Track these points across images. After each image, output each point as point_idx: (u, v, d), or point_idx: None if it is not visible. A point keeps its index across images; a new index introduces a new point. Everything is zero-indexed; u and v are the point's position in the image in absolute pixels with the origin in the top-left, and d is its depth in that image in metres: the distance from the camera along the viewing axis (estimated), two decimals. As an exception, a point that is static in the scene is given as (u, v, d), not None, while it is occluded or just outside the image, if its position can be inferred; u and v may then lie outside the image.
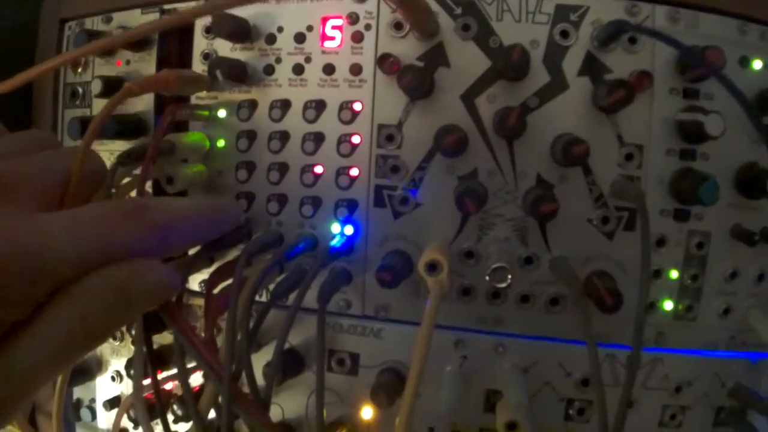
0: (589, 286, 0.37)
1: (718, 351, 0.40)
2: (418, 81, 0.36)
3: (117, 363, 0.49)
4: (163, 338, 0.45)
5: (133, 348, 0.46)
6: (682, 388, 0.40)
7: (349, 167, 0.41)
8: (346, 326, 0.42)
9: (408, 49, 0.39)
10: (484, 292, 0.40)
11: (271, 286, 0.38)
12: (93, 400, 0.50)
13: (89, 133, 0.31)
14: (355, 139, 0.40)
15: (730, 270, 0.40)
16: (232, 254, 0.42)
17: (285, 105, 0.42)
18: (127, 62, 0.46)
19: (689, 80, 0.38)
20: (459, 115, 0.39)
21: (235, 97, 0.43)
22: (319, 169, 0.41)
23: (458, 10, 0.39)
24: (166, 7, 0.45)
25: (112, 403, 0.49)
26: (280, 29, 0.42)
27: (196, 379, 0.42)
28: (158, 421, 0.38)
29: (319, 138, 0.41)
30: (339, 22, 0.41)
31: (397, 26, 0.39)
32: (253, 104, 0.42)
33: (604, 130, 0.38)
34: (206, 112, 0.43)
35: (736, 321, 0.40)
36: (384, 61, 0.39)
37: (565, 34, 0.38)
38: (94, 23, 0.48)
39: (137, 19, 0.46)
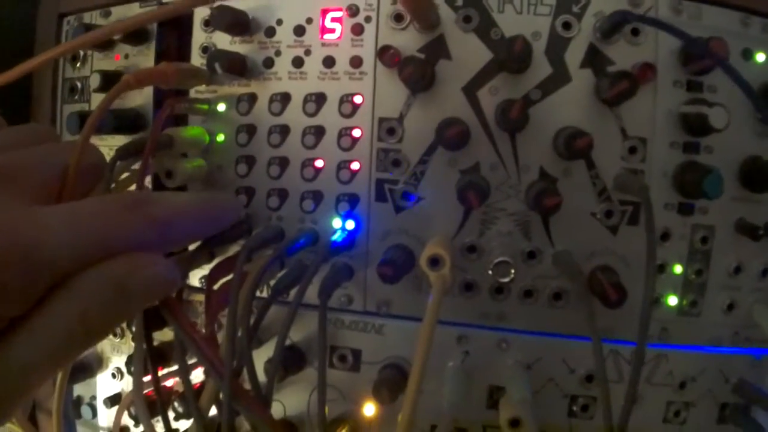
0: (592, 280, 0.36)
1: (722, 347, 0.40)
2: (419, 73, 0.36)
3: (117, 360, 0.49)
4: (164, 335, 0.45)
5: (133, 345, 0.46)
6: (686, 384, 0.39)
7: (350, 161, 0.40)
8: (347, 322, 0.41)
9: (409, 41, 0.39)
10: (487, 287, 0.40)
11: (272, 282, 0.38)
12: (93, 398, 0.50)
13: (88, 126, 0.30)
14: (356, 133, 0.40)
15: (734, 265, 0.39)
16: (233, 250, 0.41)
17: (285, 98, 0.41)
18: (126, 56, 0.46)
19: (693, 72, 0.38)
20: (461, 108, 0.38)
21: (235, 90, 0.43)
22: (319, 163, 0.41)
23: (459, 2, 0.39)
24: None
25: (113, 400, 0.48)
26: (280, 22, 0.42)
27: (197, 376, 0.42)
28: (159, 418, 0.38)
29: (319, 132, 0.41)
30: (339, 14, 0.40)
31: (398, 18, 0.39)
32: (252, 98, 0.42)
33: (607, 122, 0.38)
34: (205, 106, 0.43)
35: (740, 316, 0.40)
36: (384, 53, 0.39)
37: (567, 25, 0.38)
38: (93, 17, 0.48)
39: (135, 12, 0.46)
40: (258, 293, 0.36)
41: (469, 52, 0.38)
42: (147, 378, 0.38)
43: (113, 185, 0.35)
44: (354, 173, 0.40)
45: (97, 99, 0.47)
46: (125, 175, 0.37)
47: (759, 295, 0.40)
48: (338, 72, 0.40)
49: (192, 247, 0.39)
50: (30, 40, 0.51)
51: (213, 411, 0.36)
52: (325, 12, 0.41)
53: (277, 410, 0.43)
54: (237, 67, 0.41)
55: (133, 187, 0.37)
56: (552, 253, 0.39)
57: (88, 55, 0.48)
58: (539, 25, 0.38)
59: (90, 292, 0.23)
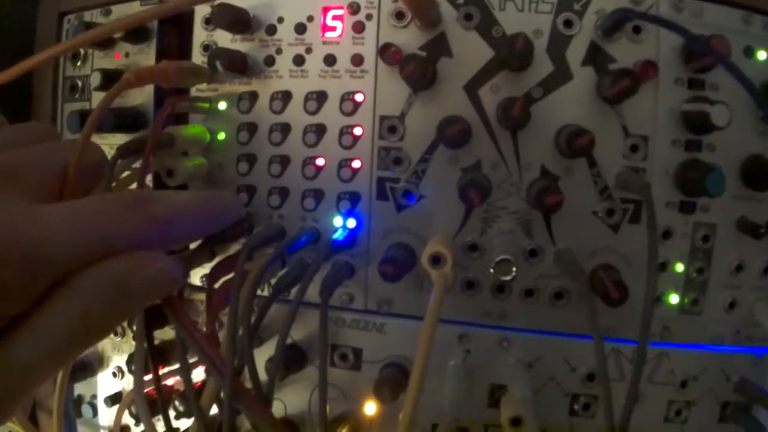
0: (594, 279, 0.36)
1: (723, 345, 0.40)
2: (420, 71, 0.36)
3: (118, 359, 0.49)
4: (165, 334, 0.44)
5: (134, 343, 0.45)
6: (687, 382, 0.39)
7: (351, 159, 0.40)
8: (348, 321, 0.41)
9: (410, 38, 0.39)
10: (489, 285, 0.40)
11: (273, 281, 0.38)
12: (94, 397, 0.50)
13: (88, 124, 0.30)
14: (357, 131, 0.40)
15: (735, 263, 0.39)
16: (234, 248, 0.41)
17: (286, 96, 0.41)
18: (127, 55, 0.46)
19: (694, 70, 0.38)
20: (462, 106, 0.38)
21: (236, 88, 0.43)
22: (320, 162, 0.41)
23: (460, 0, 0.38)
24: (166, -3, 0.45)
25: (114, 399, 0.48)
26: (281, 20, 0.41)
27: (198, 375, 0.42)
28: (160, 417, 0.38)
29: (320, 130, 0.40)
30: (340, 12, 0.40)
31: (399, 16, 0.39)
32: (253, 96, 0.42)
33: (608, 120, 0.38)
34: (206, 104, 0.43)
35: (741, 315, 0.40)
36: (386, 51, 0.39)
37: (568, 23, 0.38)
38: (93, 16, 0.48)
39: (136, 10, 0.46)
40: (259, 292, 0.36)
41: (470, 50, 0.38)
42: (148, 377, 0.38)
43: (114, 184, 0.34)
44: (355, 171, 0.40)
45: (97, 97, 0.47)
46: (126, 173, 0.37)
47: (760, 293, 0.40)
48: (339, 70, 0.40)
49: (193, 245, 0.39)
50: (30, 39, 0.51)
51: (214, 410, 0.36)
52: (326, 10, 0.40)
53: (278, 409, 0.43)
54: (238, 65, 0.41)
55: (134, 186, 0.36)
56: (553, 252, 0.39)
57: (89, 53, 0.48)
58: (540, 22, 0.38)
59: (91, 291, 0.23)
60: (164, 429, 0.38)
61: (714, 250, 0.39)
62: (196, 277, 0.45)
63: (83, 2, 0.48)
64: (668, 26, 0.35)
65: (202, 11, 0.43)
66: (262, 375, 0.36)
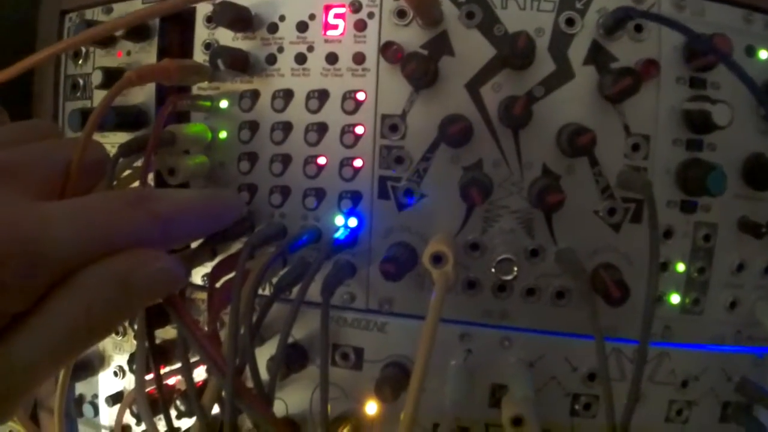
0: (595, 278, 0.36)
1: (724, 345, 0.40)
2: (422, 69, 0.36)
3: (119, 358, 0.49)
4: (166, 333, 0.44)
5: (135, 343, 0.45)
6: (688, 382, 0.39)
7: (353, 158, 0.40)
8: (350, 320, 0.41)
9: (412, 37, 0.39)
10: (490, 284, 0.39)
11: (274, 280, 0.38)
12: (95, 396, 0.50)
13: (90, 122, 0.30)
14: (359, 130, 0.40)
15: (737, 262, 0.39)
16: (235, 247, 0.41)
17: (287, 95, 0.41)
18: (128, 53, 0.46)
19: (696, 69, 0.38)
20: (464, 105, 0.38)
21: (237, 87, 0.43)
22: (322, 160, 0.41)
23: (462, -2, 0.38)
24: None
25: (115, 398, 0.48)
26: (282, 18, 0.41)
27: (199, 374, 0.42)
28: (161, 416, 0.38)
29: (322, 128, 0.40)
30: (342, 10, 0.40)
31: (401, 14, 0.39)
32: (255, 94, 0.42)
33: (610, 119, 0.38)
34: (208, 103, 0.43)
35: (742, 314, 0.40)
36: (387, 50, 0.39)
37: (570, 21, 0.38)
38: (95, 14, 0.48)
39: (137, 9, 0.46)
40: (260, 291, 0.36)
41: (472, 49, 0.38)
42: (149, 376, 0.38)
43: (115, 183, 0.34)
44: (357, 170, 0.40)
45: (99, 96, 0.47)
46: (127, 172, 0.37)
47: (762, 292, 0.40)
48: (341, 68, 0.40)
49: (194, 244, 0.39)
50: (32, 37, 0.51)
51: (215, 409, 0.36)
52: (327, 8, 0.40)
53: (279, 408, 0.43)
54: (239, 63, 0.41)
55: (135, 184, 0.36)
56: (555, 251, 0.39)
57: (90, 51, 0.48)
58: (542, 21, 0.38)
59: (93, 289, 0.23)
60: (165, 428, 0.38)
61: (715, 249, 0.39)
62: (198, 276, 0.45)
63: (84, 0, 0.48)
64: (670, 25, 0.35)
65: (203, 9, 0.43)
66: (264, 374, 0.36)
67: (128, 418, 0.44)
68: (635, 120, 0.38)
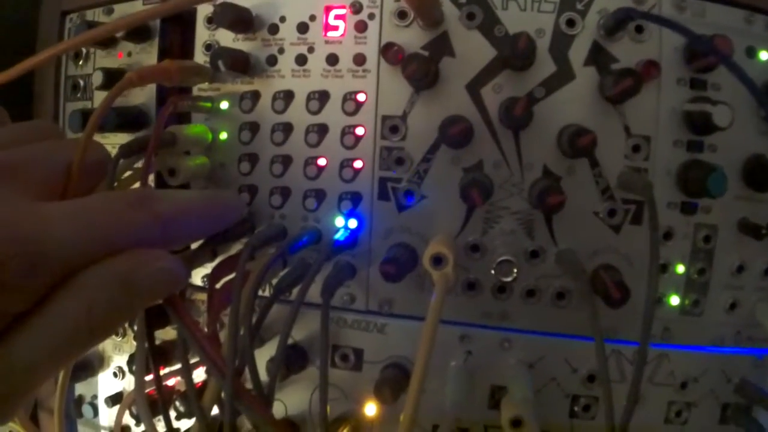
0: (595, 279, 0.36)
1: (724, 347, 0.40)
2: (422, 70, 0.36)
3: (119, 359, 0.48)
4: (166, 334, 0.44)
5: (135, 344, 0.45)
6: (688, 384, 0.39)
7: (353, 159, 0.40)
8: (350, 321, 0.41)
9: (412, 38, 0.39)
10: (490, 286, 0.39)
11: (274, 281, 0.38)
12: (95, 397, 0.50)
13: (91, 123, 0.30)
14: (359, 131, 0.40)
15: (737, 264, 0.39)
16: (235, 248, 0.41)
17: (288, 96, 0.41)
18: (129, 54, 0.46)
19: (696, 70, 0.38)
20: (464, 106, 0.38)
21: (238, 88, 0.43)
22: (322, 162, 0.41)
23: (463, -1, 0.38)
24: (168, -4, 0.45)
25: (114, 399, 0.48)
26: (283, 19, 0.41)
27: (199, 375, 0.42)
28: (160, 417, 0.38)
29: (322, 129, 0.40)
30: (342, 11, 0.40)
31: (401, 15, 0.39)
32: (255, 95, 0.42)
33: (611, 120, 0.38)
34: (208, 104, 0.43)
35: (742, 316, 0.40)
36: (388, 51, 0.39)
37: (571, 22, 0.38)
38: (95, 15, 0.48)
39: (138, 9, 0.46)
40: (260, 292, 0.36)
41: (472, 50, 0.38)
42: (149, 377, 0.38)
43: (116, 184, 0.34)
44: (357, 171, 0.40)
45: (99, 97, 0.47)
46: (128, 173, 0.37)
47: (762, 294, 0.40)
48: (341, 69, 0.40)
49: (195, 245, 0.39)
50: (32, 38, 0.51)
51: (215, 410, 0.36)
52: (328, 9, 0.40)
53: (278, 409, 0.43)
54: (240, 64, 0.41)
55: (136, 185, 0.36)
56: (555, 252, 0.39)
57: (91, 52, 0.48)
58: (543, 22, 0.38)
59: (94, 289, 0.23)
60: (165, 429, 0.38)
61: (715, 250, 0.39)
62: (198, 277, 0.44)
63: (85, 1, 0.48)
64: (671, 26, 0.35)
65: (204, 10, 0.43)
66: (263, 375, 0.36)
67: (128, 419, 0.44)
68: (636, 121, 0.38)
